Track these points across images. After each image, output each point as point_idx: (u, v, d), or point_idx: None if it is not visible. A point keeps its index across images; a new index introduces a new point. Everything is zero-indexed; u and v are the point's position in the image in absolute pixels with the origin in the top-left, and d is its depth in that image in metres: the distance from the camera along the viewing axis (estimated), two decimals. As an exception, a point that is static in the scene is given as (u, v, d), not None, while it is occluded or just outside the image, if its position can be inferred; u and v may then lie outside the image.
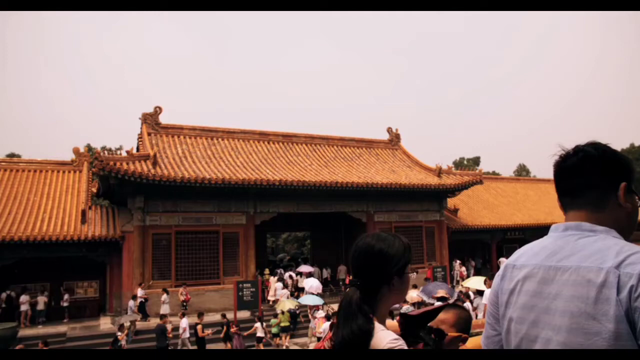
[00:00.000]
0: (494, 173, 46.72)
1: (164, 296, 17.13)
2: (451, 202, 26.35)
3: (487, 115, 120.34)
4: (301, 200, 21.14)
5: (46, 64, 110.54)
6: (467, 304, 13.42)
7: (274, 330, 15.75)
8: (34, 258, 17.37)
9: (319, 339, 13.12)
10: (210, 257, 19.33)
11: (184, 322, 14.47)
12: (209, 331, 14.37)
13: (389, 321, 1.89)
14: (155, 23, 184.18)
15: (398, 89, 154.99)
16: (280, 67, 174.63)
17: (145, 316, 17.11)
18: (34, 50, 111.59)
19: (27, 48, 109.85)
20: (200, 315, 14.89)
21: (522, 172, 55.36)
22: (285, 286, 20.52)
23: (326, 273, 25.18)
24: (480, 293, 13.60)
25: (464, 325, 1.82)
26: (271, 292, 19.81)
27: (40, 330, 16.51)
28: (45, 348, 11.90)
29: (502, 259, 25.99)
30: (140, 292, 17.34)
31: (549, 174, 1.53)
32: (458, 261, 25.59)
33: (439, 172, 24.41)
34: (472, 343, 1.83)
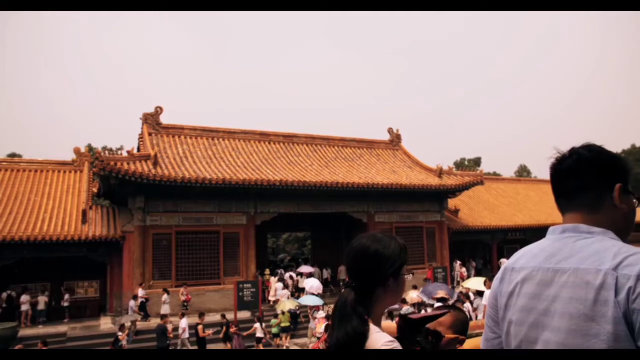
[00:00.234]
0: (494, 174, 46.68)
1: (165, 296, 17.14)
2: (452, 202, 26.32)
3: (487, 116, 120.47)
4: (302, 200, 21.13)
5: (46, 64, 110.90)
6: (467, 305, 13.41)
7: (274, 330, 15.75)
8: (35, 258, 17.38)
9: (318, 339, 13.11)
10: (211, 257, 19.33)
11: (184, 322, 14.47)
12: (209, 331, 14.38)
13: (387, 322, 1.88)
14: (155, 23, 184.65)
15: (398, 89, 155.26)
16: (280, 67, 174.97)
17: (146, 316, 17.12)
18: (34, 50, 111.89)
19: (27, 48, 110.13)
20: (201, 315, 14.90)
21: (523, 172, 55.33)
22: (286, 286, 20.52)
23: (326, 273, 25.16)
24: (480, 294, 13.59)
25: (461, 327, 1.81)
26: (272, 293, 19.81)
27: (41, 330, 16.52)
28: (44, 348, 11.89)
29: (503, 260, 25.97)
30: (141, 292, 17.34)
31: (550, 174, 1.53)
32: (458, 262, 25.56)
33: (439, 172, 24.40)
34: (471, 344, 1.82)
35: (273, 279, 20.78)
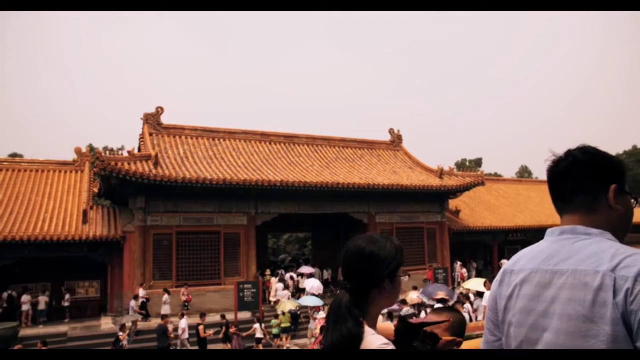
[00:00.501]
0: (495, 174, 46.60)
1: (165, 296, 17.15)
2: (453, 203, 26.29)
3: (488, 116, 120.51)
4: (302, 200, 21.13)
5: (46, 64, 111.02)
6: (467, 306, 13.39)
7: (275, 331, 15.75)
8: (35, 258, 17.40)
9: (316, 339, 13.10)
10: (211, 258, 19.32)
11: (183, 323, 14.47)
12: (210, 332, 14.38)
13: (384, 324, 1.86)
14: (155, 23, 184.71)
15: (398, 89, 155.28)
16: (280, 67, 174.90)
17: (146, 316, 17.13)
18: (34, 50, 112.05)
19: (27, 48, 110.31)
20: (202, 315, 14.90)
21: (524, 173, 55.27)
22: (286, 287, 20.52)
23: (327, 274, 25.16)
24: (480, 295, 13.56)
25: (458, 328, 1.79)
26: (272, 293, 19.81)
27: (41, 330, 16.53)
28: (44, 348, 11.89)
29: (504, 261, 25.93)
30: (141, 292, 17.35)
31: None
32: (459, 262, 25.53)
33: (440, 173, 24.38)
34: (471, 346, 1.81)
35: (274, 280, 20.78)
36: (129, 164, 17.41)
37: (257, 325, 15.10)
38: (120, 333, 13.92)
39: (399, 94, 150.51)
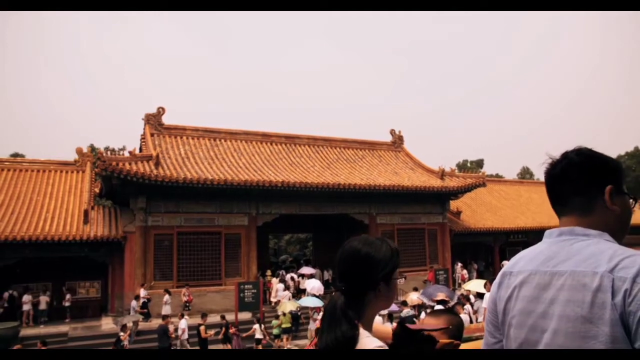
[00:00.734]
0: (497, 175, 46.55)
1: (166, 297, 17.16)
2: (454, 204, 26.26)
3: (488, 116, 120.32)
4: (303, 201, 21.13)
5: (46, 64, 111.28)
6: (468, 307, 13.37)
7: (275, 331, 15.74)
8: (36, 258, 17.43)
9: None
10: (212, 258, 19.33)
11: (183, 323, 14.48)
12: (211, 332, 14.37)
13: (382, 326, 1.85)
14: (155, 23, 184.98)
15: (398, 89, 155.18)
16: (281, 67, 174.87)
17: (147, 316, 17.14)
18: (34, 50, 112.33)
19: (27, 48, 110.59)
20: (203, 316, 14.90)
21: (525, 174, 55.17)
22: (287, 288, 20.51)
23: (328, 275, 25.11)
24: (480, 296, 13.53)
25: (456, 331, 1.78)
26: (273, 294, 19.80)
27: (42, 330, 16.55)
28: (43, 348, 11.90)
29: (505, 262, 25.87)
30: (143, 292, 17.36)
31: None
32: (460, 264, 25.49)
33: (441, 174, 24.36)
34: (471, 347, 1.80)
35: (274, 280, 20.78)
36: (130, 164, 17.43)
37: (256, 326, 15.09)
38: (122, 333, 13.94)
39: (399, 94, 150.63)
